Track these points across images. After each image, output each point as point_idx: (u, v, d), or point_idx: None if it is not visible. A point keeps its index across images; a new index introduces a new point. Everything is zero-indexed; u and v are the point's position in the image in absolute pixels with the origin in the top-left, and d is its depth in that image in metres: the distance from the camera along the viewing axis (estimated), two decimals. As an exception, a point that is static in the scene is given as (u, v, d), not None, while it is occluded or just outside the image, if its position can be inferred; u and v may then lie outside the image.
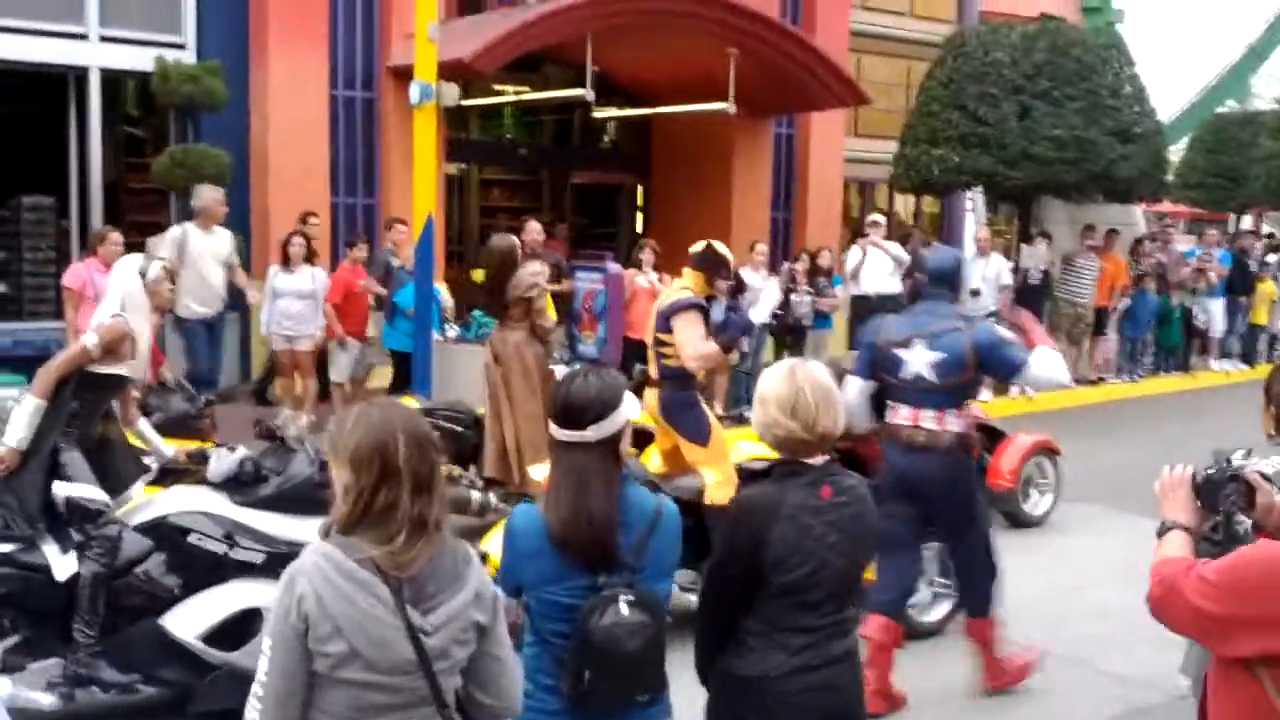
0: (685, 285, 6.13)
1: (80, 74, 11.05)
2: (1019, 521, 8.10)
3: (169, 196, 11.38)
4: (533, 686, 2.80)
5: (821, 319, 11.81)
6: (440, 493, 2.45)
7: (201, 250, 9.05)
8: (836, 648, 2.99)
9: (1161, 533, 2.58)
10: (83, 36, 11.00)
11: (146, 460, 5.37)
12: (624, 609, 2.74)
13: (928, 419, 5.07)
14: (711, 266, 6.26)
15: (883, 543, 4.57)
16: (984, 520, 5.38)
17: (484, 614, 2.47)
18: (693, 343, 5.93)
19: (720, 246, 6.37)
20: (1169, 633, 2.48)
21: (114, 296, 4.96)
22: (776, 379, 3.04)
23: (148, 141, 12.93)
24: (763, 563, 2.90)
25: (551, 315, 7.53)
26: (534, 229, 10.39)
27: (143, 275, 4.98)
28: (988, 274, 12.38)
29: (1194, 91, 32.93)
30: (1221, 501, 2.57)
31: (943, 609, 6.24)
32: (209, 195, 9.29)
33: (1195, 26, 69.89)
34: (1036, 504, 8.28)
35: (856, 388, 5.22)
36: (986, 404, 11.17)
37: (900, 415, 5.15)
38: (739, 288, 8.21)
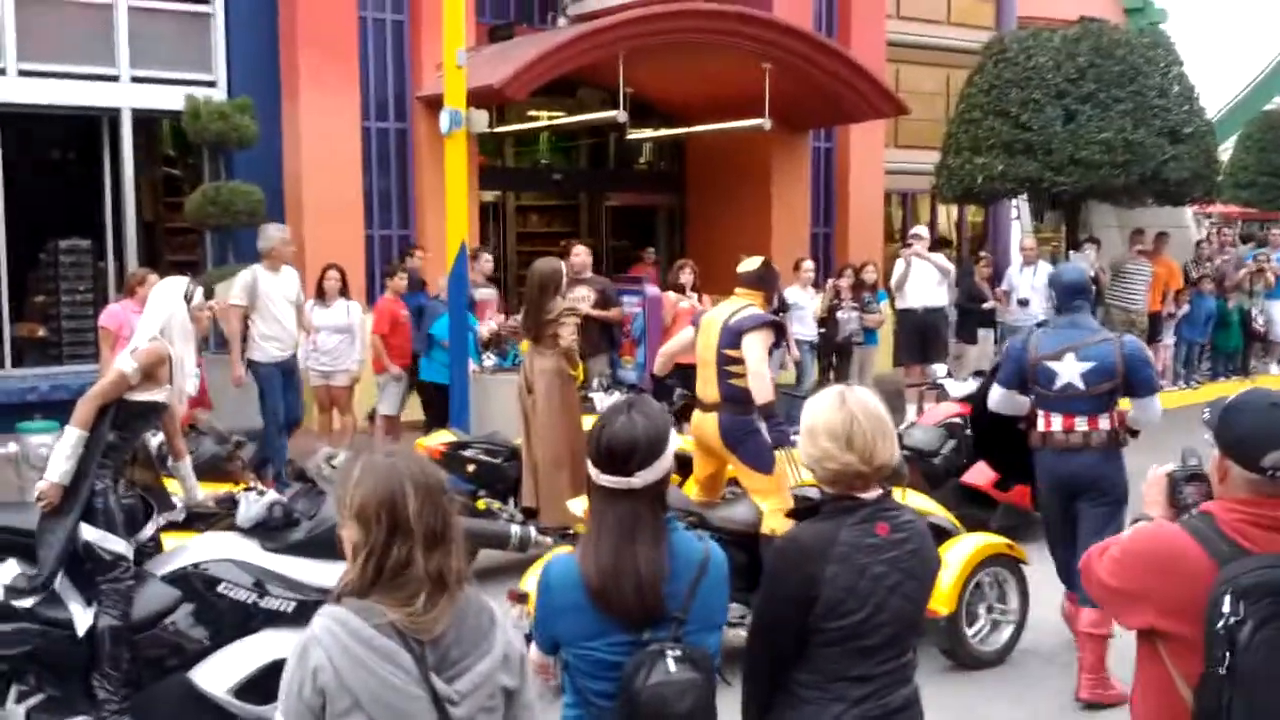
0: (749, 303, 5.83)
1: (113, 115, 11.08)
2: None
3: (204, 235, 11.35)
4: (577, 751, 2.61)
5: (868, 335, 11.57)
6: (458, 545, 2.27)
7: (272, 292, 8.71)
8: (897, 698, 2.75)
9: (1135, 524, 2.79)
10: (114, 78, 11.03)
11: (175, 501, 5.23)
12: (671, 666, 2.54)
13: (1081, 423, 5.41)
14: (769, 285, 6.06)
15: (1059, 540, 5.57)
16: (1125, 509, 5.44)
17: (511, 677, 2.30)
18: (762, 365, 5.67)
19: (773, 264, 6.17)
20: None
21: (153, 319, 4.79)
22: (826, 408, 2.79)
23: (184, 181, 12.94)
24: (815, 608, 2.68)
25: (569, 338, 7.23)
26: (580, 253, 10.16)
27: (188, 300, 4.84)
28: (1036, 283, 12.08)
29: (1238, 88, 32.29)
30: (1183, 498, 2.79)
31: (1003, 636, 5.98)
32: (275, 235, 8.87)
33: (1237, 21, 68.82)
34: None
35: (999, 395, 5.71)
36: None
37: (1054, 423, 5.47)
38: (782, 306, 7.98)
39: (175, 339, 4.76)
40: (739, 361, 5.64)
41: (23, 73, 10.58)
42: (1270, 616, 2.37)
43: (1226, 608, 2.38)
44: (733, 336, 5.68)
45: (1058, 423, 5.45)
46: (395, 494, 2.22)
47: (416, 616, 2.19)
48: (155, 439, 6.26)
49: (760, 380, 5.62)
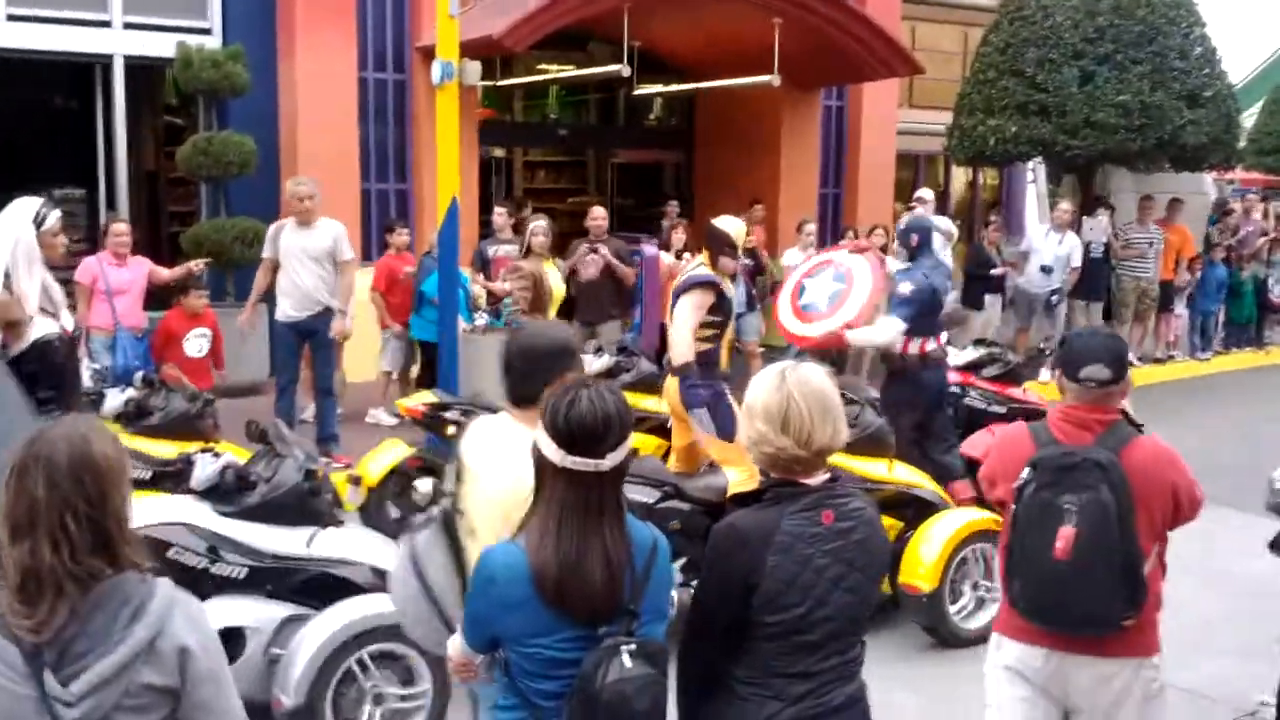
0: (700, 263, 5.78)
1: (105, 62, 10.89)
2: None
3: (199, 186, 11.19)
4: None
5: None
6: (71, 536, 1.99)
7: (293, 247, 8.05)
8: (838, 695, 2.59)
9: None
10: (106, 24, 10.81)
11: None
12: (627, 661, 2.35)
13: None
14: (713, 243, 5.90)
15: None
16: None
17: (163, 675, 2.03)
18: (683, 327, 5.62)
19: (723, 222, 5.99)
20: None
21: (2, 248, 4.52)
22: (765, 388, 2.62)
23: (186, 130, 12.79)
24: (754, 599, 2.51)
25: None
26: (598, 214, 9.91)
27: (39, 224, 4.59)
28: (1060, 251, 11.81)
29: (1266, 53, 31.60)
30: None
31: (988, 614, 5.79)
32: (290, 189, 8.20)
33: (1272, -15, 67.30)
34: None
35: None
36: (1043, 386, 10.64)
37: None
38: (758, 269, 7.80)
39: (20, 264, 4.50)
40: None
41: (12, 17, 10.37)
42: (1045, 483, 3.22)
43: (1024, 475, 3.26)
44: (676, 298, 5.71)
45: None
46: (7, 469, 2.02)
47: (14, 612, 1.98)
48: (121, 396, 6.16)
49: (675, 341, 5.69)
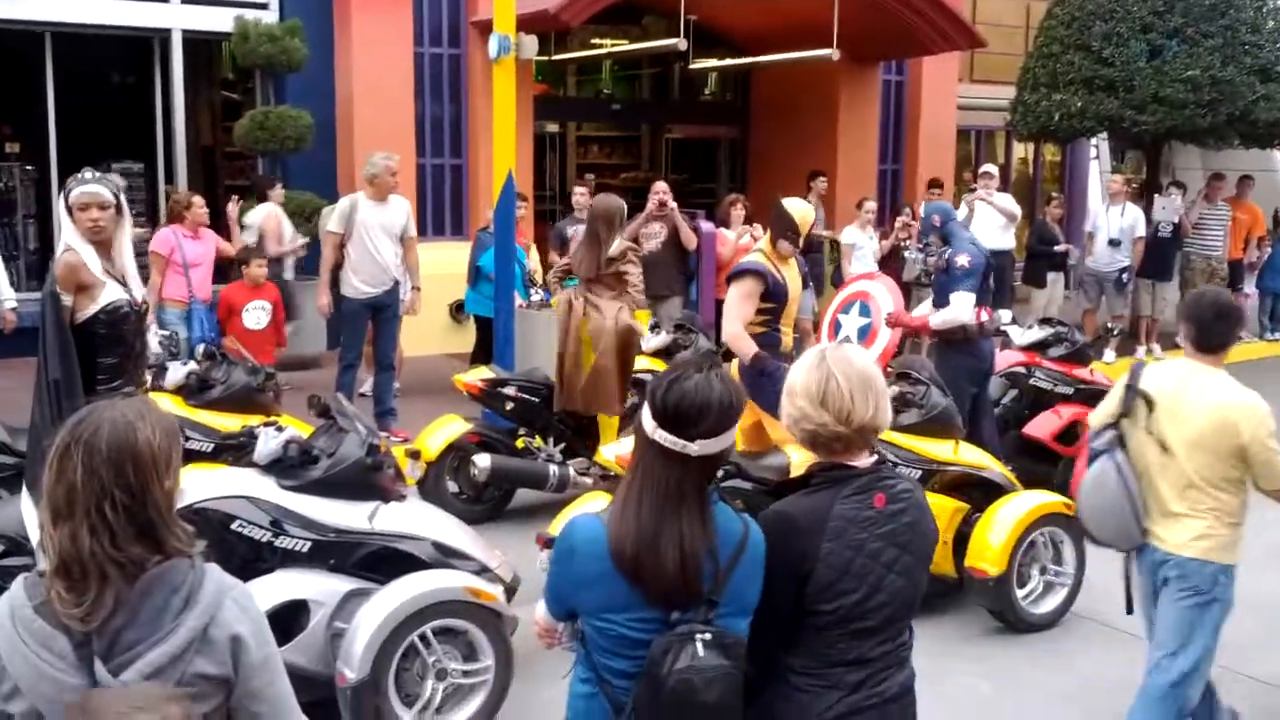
0: (760, 247, 5.70)
1: (164, 36, 10.93)
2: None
3: (256, 160, 11.22)
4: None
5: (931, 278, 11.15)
6: (109, 523, 1.93)
7: (369, 221, 7.89)
8: (893, 684, 2.54)
9: None
10: (165, -1, 10.86)
11: None
12: (700, 650, 2.29)
13: None
14: (777, 224, 5.83)
15: None
16: None
17: (216, 664, 1.97)
18: (734, 320, 5.57)
19: (790, 204, 5.88)
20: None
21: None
22: (805, 367, 2.57)
23: (242, 105, 12.84)
24: (808, 587, 2.45)
25: (637, 279, 6.94)
26: (660, 188, 9.72)
27: (65, 197, 4.51)
28: (1124, 223, 11.56)
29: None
30: None
31: (1056, 599, 5.70)
32: (380, 162, 7.98)
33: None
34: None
35: None
36: (1110, 366, 10.44)
37: None
38: (805, 250, 7.67)
39: (73, 235, 4.45)
40: None
41: (73, -9, 10.45)
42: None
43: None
44: (727, 284, 5.74)
45: None
46: (53, 448, 1.96)
47: (62, 599, 1.93)
48: (183, 369, 6.17)
49: (729, 335, 5.70)
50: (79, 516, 1.93)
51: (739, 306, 5.74)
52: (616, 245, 6.76)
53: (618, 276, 6.79)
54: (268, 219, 9.65)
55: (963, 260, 6.77)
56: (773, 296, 5.78)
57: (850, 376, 2.50)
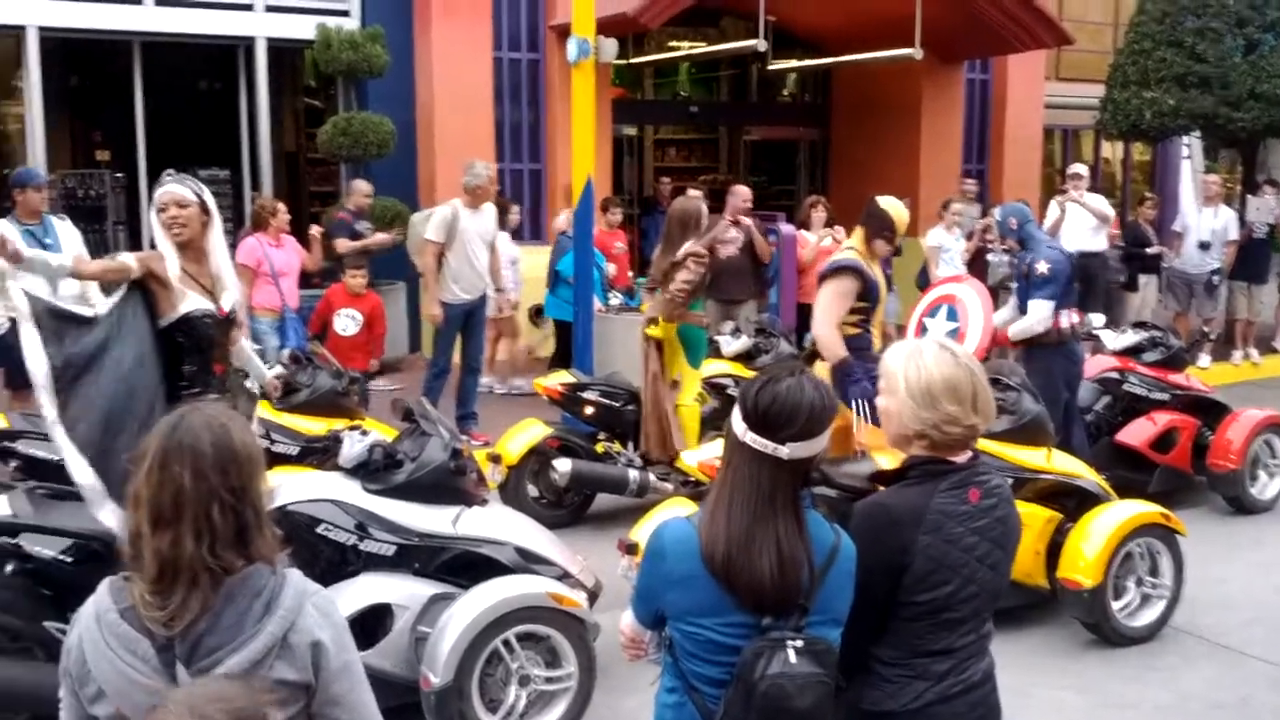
0: (852, 245, 5.56)
1: (248, 45, 11.12)
2: (1244, 506, 7.26)
3: (341, 166, 11.36)
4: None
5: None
6: (215, 526, 1.94)
7: (470, 230, 8.00)
8: (976, 671, 2.55)
9: None
10: (248, 7, 11.05)
11: None
12: (792, 657, 2.25)
13: None
14: (873, 222, 5.67)
15: None
16: None
17: (296, 670, 1.97)
18: (826, 320, 5.43)
19: (886, 203, 5.74)
20: None
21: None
22: (942, 364, 2.48)
23: (325, 111, 13.01)
24: (904, 581, 2.44)
25: (680, 284, 6.81)
26: (742, 194, 9.66)
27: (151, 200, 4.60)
28: (1216, 225, 11.21)
29: None
30: None
31: (1153, 612, 5.50)
32: (483, 172, 8.06)
33: None
34: (1265, 487, 7.40)
35: None
36: (1205, 371, 10.11)
37: None
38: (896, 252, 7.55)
39: (161, 235, 4.52)
40: None
41: (160, 2, 10.66)
42: None
43: None
44: (820, 282, 5.57)
45: None
46: (144, 454, 1.96)
47: (148, 603, 1.93)
48: (269, 373, 6.22)
49: (820, 335, 5.53)
50: (185, 521, 1.94)
51: (833, 305, 5.56)
52: (684, 249, 6.71)
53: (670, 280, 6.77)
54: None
55: (1043, 268, 6.63)
56: (868, 296, 5.65)
57: (978, 370, 2.52)
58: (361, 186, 9.95)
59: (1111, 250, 11.22)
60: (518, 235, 10.51)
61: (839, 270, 5.59)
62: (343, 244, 9.41)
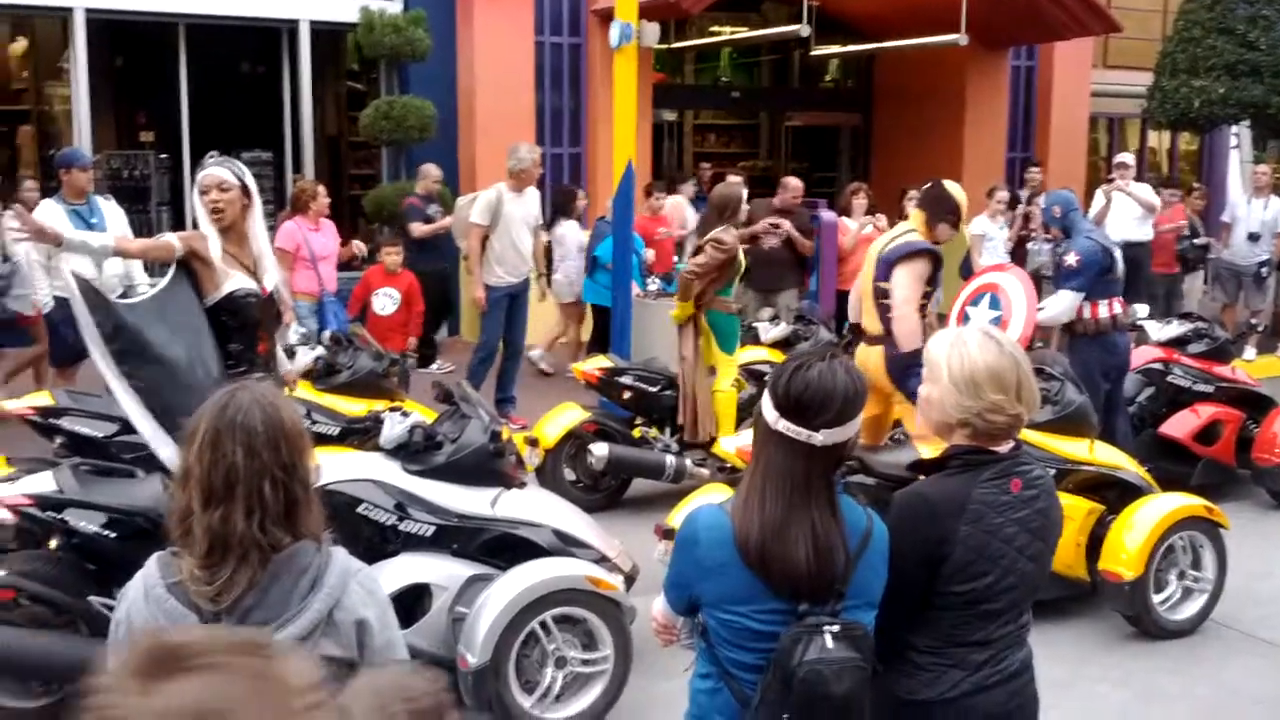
0: (911, 228, 5.48)
1: (292, 27, 11.17)
2: (1291, 503, 7.13)
3: (382, 149, 11.40)
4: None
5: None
6: (265, 503, 1.96)
7: (514, 213, 8.04)
8: (1013, 661, 2.53)
9: None
10: (293, -10, 11.09)
11: None
12: (829, 642, 2.24)
13: None
14: (936, 206, 5.57)
15: None
16: None
17: (341, 646, 1.99)
18: (909, 304, 5.30)
19: (952, 186, 5.66)
20: None
21: None
22: (986, 352, 2.45)
23: (366, 95, 13.06)
24: (943, 569, 2.42)
25: (693, 265, 6.79)
26: (793, 187, 9.61)
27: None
28: (1265, 217, 11.03)
29: None
30: None
31: (1195, 606, 5.43)
32: (527, 156, 8.08)
33: None
34: (1310, 481, 7.25)
35: None
36: (1250, 364, 9.97)
37: None
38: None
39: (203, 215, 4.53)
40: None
41: (204, -16, 10.74)
42: None
43: None
44: (885, 268, 5.42)
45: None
46: (194, 432, 1.98)
47: (196, 578, 1.95)
48: (311, 354, 6.27)
49: (903, 318, 5.35)
50: (237, 498, 1.96)
51: (912, 289, 5.39)
52: (711, 234, 6.71)
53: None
54: None
55: (1071, 259, 6.56)
56: (933, 280, 5.59)
57: (1023, 359, 2.48)
58: (432, 171, 9.96)
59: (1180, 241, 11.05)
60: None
61: (916, 253, 5.44)
62: (417, 228, 9.51)
